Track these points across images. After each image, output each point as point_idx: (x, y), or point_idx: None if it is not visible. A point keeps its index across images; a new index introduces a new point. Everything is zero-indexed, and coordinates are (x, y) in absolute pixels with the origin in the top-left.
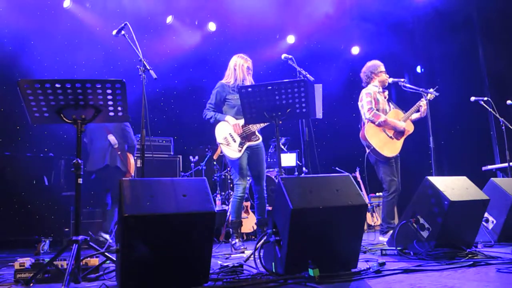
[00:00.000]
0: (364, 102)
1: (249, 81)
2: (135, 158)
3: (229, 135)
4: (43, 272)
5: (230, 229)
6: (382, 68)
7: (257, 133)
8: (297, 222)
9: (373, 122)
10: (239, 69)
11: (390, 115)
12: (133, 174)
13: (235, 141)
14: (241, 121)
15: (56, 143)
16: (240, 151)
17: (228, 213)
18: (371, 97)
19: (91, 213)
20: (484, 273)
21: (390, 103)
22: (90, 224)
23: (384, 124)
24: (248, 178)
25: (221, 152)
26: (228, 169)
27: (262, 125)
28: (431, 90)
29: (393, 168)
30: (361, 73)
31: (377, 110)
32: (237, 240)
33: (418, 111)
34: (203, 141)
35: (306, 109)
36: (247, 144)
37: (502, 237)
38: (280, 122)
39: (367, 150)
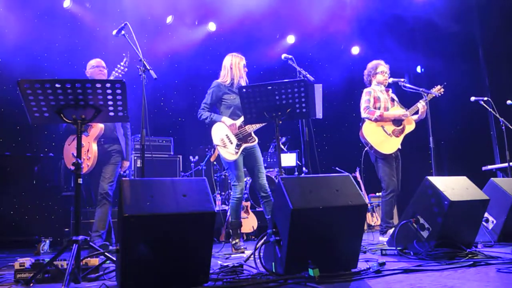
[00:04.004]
0: (362, 101)
1: (244, 79)
2: (135, 158)
3: (225, 137)
4: (43, 272)
5: (230, 230)
6: (381, 68)
7: (253, 134)
8: (297, 222)
9: (369, 119)
10: (235, 67)
11: (390, 110)
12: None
13: (231, 143)
14: (238, 122)
15: (56, 143)
16: (236, 153)
17: (228, 213)
18: (370, 96)
19: (91, 213)
20: (484, 273)
21: (394, 102)
22: (90, 224)
23: (380, 119)
24: (245, 179)
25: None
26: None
27: (258, 126)
28: (438, 87)
29: (393, 168)
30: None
31: (378, 108)
32: (237, 240)
33: (417, 112)
34: (203, 141)
35: (306, 109)
36: (244, 145)
37: (502, 237)
38: (280, 122)
39: (366, 148)
